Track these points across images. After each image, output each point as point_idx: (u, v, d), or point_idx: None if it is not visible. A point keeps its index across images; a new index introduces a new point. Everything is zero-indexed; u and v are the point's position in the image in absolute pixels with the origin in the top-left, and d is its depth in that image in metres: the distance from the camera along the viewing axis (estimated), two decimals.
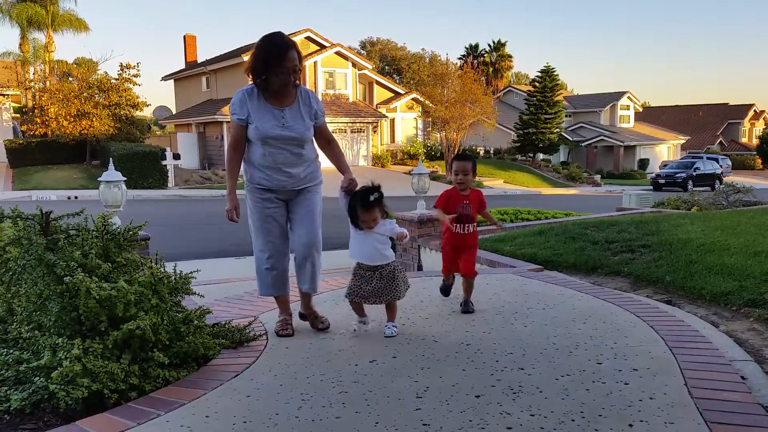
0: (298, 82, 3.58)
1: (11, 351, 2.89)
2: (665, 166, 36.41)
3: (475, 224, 4.19)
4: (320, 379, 2.92)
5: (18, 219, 3.08)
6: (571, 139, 42.36)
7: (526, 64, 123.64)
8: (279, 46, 3.44)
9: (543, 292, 4.59)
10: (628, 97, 47.26)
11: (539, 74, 37.73)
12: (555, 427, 2.38)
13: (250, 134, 3.56)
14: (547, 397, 2.67)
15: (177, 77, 36.13)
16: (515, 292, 4.61)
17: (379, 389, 2.78)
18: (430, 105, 30.20)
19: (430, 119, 31.80)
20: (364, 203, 3.47)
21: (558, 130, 37.82)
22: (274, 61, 3.43)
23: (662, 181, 31.42)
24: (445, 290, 4.41)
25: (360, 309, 3.70)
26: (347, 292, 3.67)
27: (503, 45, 56.58)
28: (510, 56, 57.08)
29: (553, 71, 37.45)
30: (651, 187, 30.60)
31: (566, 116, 42.08)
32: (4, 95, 26.29)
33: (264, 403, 2.67)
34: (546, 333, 3.57)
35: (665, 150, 47.23)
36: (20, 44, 31.16)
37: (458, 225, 4.10)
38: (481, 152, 38.26)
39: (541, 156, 38.55)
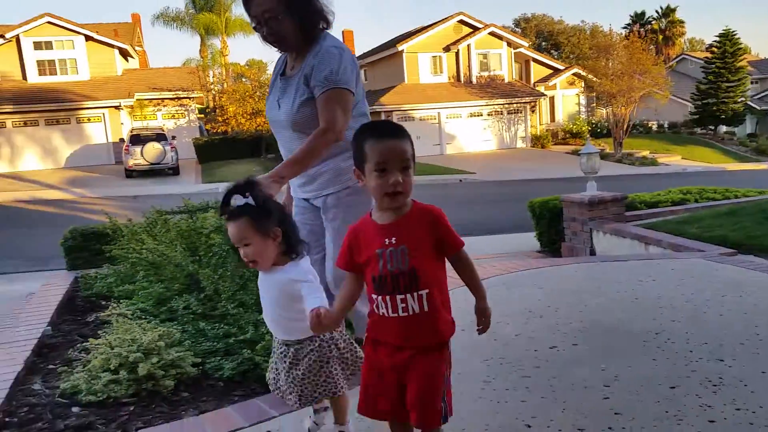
0: (319, 33, 2.46)
1: (221, 326, 3.26)
2: None
3: (428, 293, 1.71)
4: (500, 362, 2.91)
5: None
6: (758, 108, 37.87)
7: (700, 29, 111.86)
8: None
9: (738, 278, 4.17)
10: None
11: (717, 39, 34.15)
12: (767, 423, 2.18)
13: None
14: (753, 391, 2.44)
15: None
16: (705, 278, 4.24)
17: (562, 376, 2.72)
18: (594, 79, 28.61)
19: (594, 94, 30.16)
20: (222, 212, 2.00)
21: (742, 99, 34.04)
22: (247, 12, 2.46)
23: None
24: None
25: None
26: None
27: (673, 11, 51.94)
28: (682, 22, 52.31)
29: (734, 34, 33.68)
30: None
31: (752, 83, 37.67)
32: (190, 98, 29.23)
33: None
34: (745, 323, 3.25)
35: None
36: (200, 50, 34.67)
37: (381, 299, 1.75)
38: (654, 126, 35.52)
39: (723, 128, 34.95)
